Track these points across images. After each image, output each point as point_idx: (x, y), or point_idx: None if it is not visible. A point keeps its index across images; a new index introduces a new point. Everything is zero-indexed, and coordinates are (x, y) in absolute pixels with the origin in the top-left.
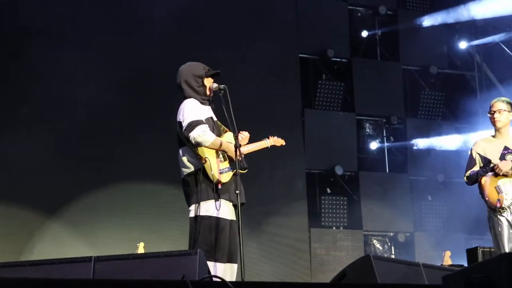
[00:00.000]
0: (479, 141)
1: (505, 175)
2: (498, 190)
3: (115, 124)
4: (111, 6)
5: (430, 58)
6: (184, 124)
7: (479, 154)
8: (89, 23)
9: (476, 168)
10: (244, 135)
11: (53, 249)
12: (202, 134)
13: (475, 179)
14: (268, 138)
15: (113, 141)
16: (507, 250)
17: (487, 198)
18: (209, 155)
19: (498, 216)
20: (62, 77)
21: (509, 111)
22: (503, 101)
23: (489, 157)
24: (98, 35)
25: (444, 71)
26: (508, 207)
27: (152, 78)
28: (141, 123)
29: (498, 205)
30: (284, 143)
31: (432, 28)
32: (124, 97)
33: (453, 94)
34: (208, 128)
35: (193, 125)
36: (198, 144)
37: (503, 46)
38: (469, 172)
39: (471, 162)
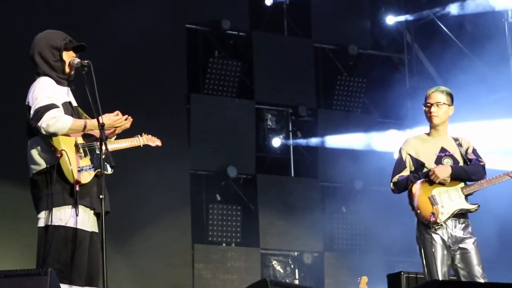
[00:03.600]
0: (410, 140)
1: (441, 183)
2: (433, 201)
3: None
4: None
5: (349, 35)
6: (32, 112)
7: (410, 155)
8: None
9: (406, 172)
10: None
11: None
12: (53, 122)
13: (404, 186)
14: (141, 136)
15: None
16: (440, 276)
17: (418, 211)
18: (66, 147)
19: (431, 233)
20: None
21: (449, 105)
22: (442, 91)
23: (422, 159)
24: None
25: (366, 52)
26: (444, 222)
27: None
28: None
29: (432, 219)
30: (160, 144)
31: None
32: None
33: (376, 80)
34: (61, 112)
35: (40, 112)
36: (53, 135)
37: (439, 23)
38: (397, 177)
39: (400, 164)
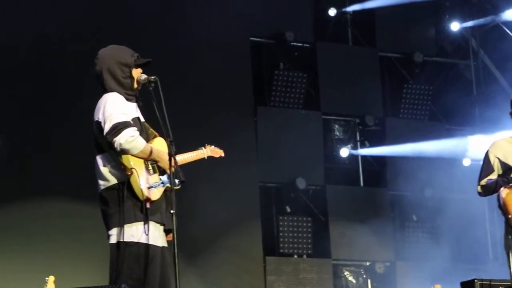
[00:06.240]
0: (498, 142)
1: None
2: None
3: (6, 124)
4: None
5: (414, 43)
6: (107, 127)
7: (498, 158)
8: None
9: (494, 175)
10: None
11: None
12: (130, 140)
13: (493, 190)
14: (205, 148)
15: (7, 146)
16: None
17: (510, 216)
18: (136, 165)
19: None
20: None
21: None
22: None
23: (511, 163)
24: None
25: (431, 59)
26: None
27: (61, 63)
28: (47, 122)
29: None
30: (223, 155)
31: (416, 5)
32: (22, 87)
33: (443, 87)
34: (138, 132)
35: (119, 128)
36: (123, 152)
37: (505, 28)
38: (485, 180)
39: (488, 168)
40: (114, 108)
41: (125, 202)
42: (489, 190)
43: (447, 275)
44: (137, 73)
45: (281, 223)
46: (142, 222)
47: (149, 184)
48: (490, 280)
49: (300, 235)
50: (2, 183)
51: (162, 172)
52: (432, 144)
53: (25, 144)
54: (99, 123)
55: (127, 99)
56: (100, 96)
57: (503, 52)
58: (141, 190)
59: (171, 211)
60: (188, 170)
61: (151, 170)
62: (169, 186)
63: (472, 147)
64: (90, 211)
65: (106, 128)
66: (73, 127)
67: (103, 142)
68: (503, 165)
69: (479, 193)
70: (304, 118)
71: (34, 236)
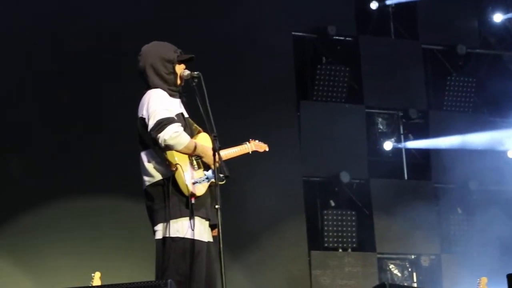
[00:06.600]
0: None
1: None
2: None
3: (54, 123)
4: None
5: (457, 35)
6: (151, 123)
7: None
8: None
9: None
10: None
11: None
12: (175, 136)
13: None
14: (249, 142)
15: (54, 144)
16: None
17: None
18: (180, 160)
19: None
20: None
21: None
22: None
23: None
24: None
25: (475, 51)
26: None
27: (104, 61)
28: (90, 119)
29: None
30: (267, 149)
31: None
32: (66, 85)
33: (486, 79)
34: (182, 128)
35: (163, 124)
36: (168, 148)
37: None
38: None
39: None
40: (158, 104)
41: (170, 198)
42: None
43: (493, 267)
44: (180, 69)
45: (325, 217)
46: (188, 218)
47: (194, 180)
48: None
49: (344, 229)
50: (48, 180)
51: (206, 167)
52: (476, 136)
53: (72, 141)
54: (143, 119)
55: (171, 95)
56: (143, 93)
57: None
58: (186, 186)
59: (216, 206)
60: (232, 165)
61: (196, 166)
62: (214, 181)
63: None
64: (135, 207)
65: (150, 124)
66: (119, 124)
67: (148, 138)
68: None
69: None
70: (347, 112)
71: (80, 232)
